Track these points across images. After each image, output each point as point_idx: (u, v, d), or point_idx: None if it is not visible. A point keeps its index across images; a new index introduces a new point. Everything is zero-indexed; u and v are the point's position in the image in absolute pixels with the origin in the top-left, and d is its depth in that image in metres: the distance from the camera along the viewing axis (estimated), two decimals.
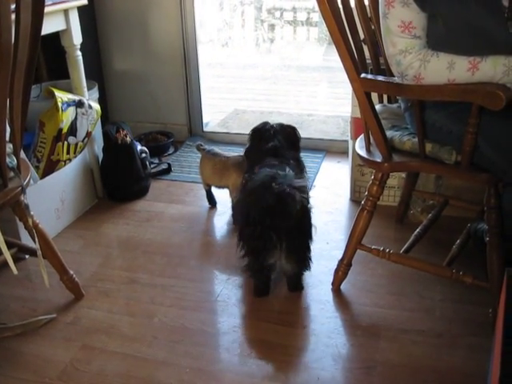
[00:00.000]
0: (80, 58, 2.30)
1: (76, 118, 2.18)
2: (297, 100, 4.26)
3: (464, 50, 1.35)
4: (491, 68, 1.33)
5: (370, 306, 1.80)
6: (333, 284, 1.89)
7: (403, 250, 1.83)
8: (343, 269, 1.85)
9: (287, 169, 1.80)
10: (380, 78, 1.53)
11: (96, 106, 2.32)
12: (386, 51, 1.46)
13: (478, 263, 1.77)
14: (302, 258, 1.79)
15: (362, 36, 1.72)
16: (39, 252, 1.66)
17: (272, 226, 1.67)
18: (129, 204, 2.53)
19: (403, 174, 2.25)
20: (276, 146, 1.99)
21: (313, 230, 1.81)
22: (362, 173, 2.42)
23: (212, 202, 2.51)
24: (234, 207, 2.30)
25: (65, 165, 2.24)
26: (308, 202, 1.77)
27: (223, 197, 2.49)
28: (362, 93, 1.52)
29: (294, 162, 1.98)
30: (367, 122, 1.60)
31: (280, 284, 1.93)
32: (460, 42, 1.35)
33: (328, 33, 1.45)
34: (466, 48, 1.35)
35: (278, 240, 1.70)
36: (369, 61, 1.77)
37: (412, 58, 1.39)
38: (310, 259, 1.82)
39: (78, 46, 2.28)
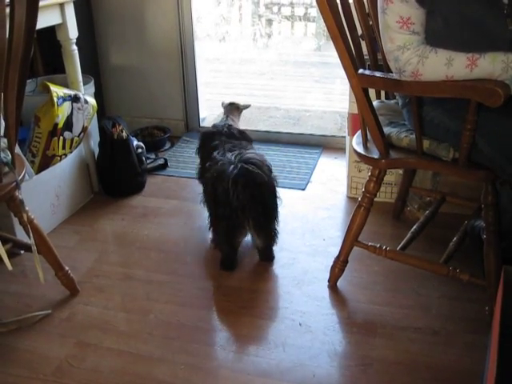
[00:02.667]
0: (76, 52, 2.29)
1: (72, 112, 2.17)
2: (294, 95, 4.24)
3: (463, 47, 1.34)
4: (490, 64, 1.32)
5: (367, 303, 1.80)
6: (329, 281, 1.89)
7: (400, 246, 1.83)
8: (339, 265, 1.84)
9: (246, 148, 2.00)
10: (378, 74, 1.52)
11: (92, 100, 2.30)
12: (384, 47, 1.45)
13: (474, 261, 1.77)
14: (269, 233, 1.96)
15: (359, 32, 1.71)
16: (34, 248, 1.65)
17: (239, 206, 1.82)
18: (125, 199, 2.52)
19: (400, 171, 2.24)
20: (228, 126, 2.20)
21: (278, 202, 1.96)
22: (359, 169, 2.41)
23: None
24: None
25: (60, 160, 2.23)
26: (271, 178, 1.92)
27: None
28: (360, 89, 1.51)
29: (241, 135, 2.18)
30: (365, 118, 1.59)
31: (276, 281, 1.92)
32: (459, 38, 1.34)
33: (326, 28, 1.44)
34: (465, 44, 1.34)
35: (246, 219, 1.85)
36: (366, 57, 1.76)
37: (410, 54, 1.38)
38: (277, 233, 1.98)
39: (74, 40, 2.27)
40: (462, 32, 1.34)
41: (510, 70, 1.32)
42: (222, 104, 2.69)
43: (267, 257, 2.04)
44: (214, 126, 2.31)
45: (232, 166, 1.84)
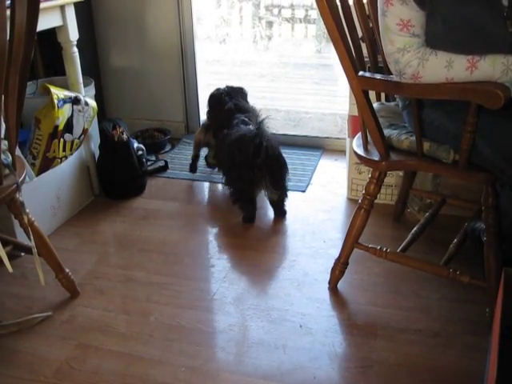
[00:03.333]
0: (76, 54, 2.29)
1: (72, 114, 2.17)
2: (294, 97, 4.24)
3: (463, 49, 1.34)
4: (490, 67, 1.32)
5: (367, 304, 1.80)
6: (329, 283, 1.89)
7: (400, 248, 1.83)
8: (340, 267, 1.84)
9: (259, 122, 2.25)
10: (378, 76, 1.52)
11: (92, 102, 2.30)
12: (385, 49, 1.45)
13: (475, 262, 1.77)
14: (282, 187, 2.27)
15: (360, 34, 1.71)
16: (34, 250, 1.65)
17: (257, 166, 2.14)
18: (125, 201, 2.52)
19: (401, 173, 2.24)
20: (237, 104, 2.50)
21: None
22: (359, 171, 2.41)
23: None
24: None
25: (61, 162, 2.23)
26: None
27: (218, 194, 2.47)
28: (360, 91, 1.52)
29: (251, 111, 2.50)
30: (365, 121, 1.59)
31: (276, 283, 1.92)
32: (459, 40, 1.35)
33: (326, 30, 1.44)
34: (465, 46, 1.34)
35: (263, 175, 2.18)
36: (367, 59, 1.76)
37: (410, 56, 1.38)
38: (288, 188, 2.32)
39: (75, 43, 2.27)
40: (462, 34, 1.34)
41: (509, 72, 1.32)
42: None
43: (280, 212, 2.34)
44: (218, 89, 2.60)
45: (251, 134, 2.16)
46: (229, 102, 2.48)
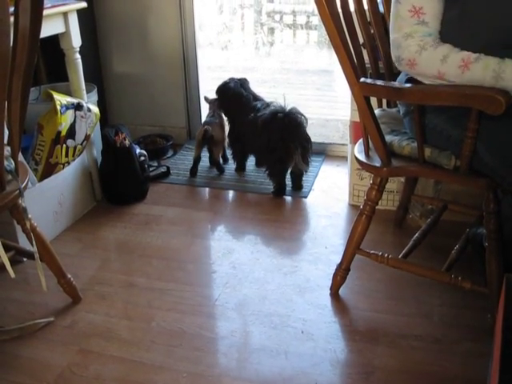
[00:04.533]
0: (79, 60, 2.30)
1: (75, 120, 2.18)
2: (296, 103, 4.24)
3: (473, 42, 1.34)
4: (481, 71, 1.32)
5: (369, 310, 1.80)
6: (331, 289, 1.89)
7: (402, 254, 1.83)
8: (341, 273, 1.84)
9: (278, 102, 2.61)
10: (379, 82, 1.52)
11: (95, 108, 2.32)
12: (391, 37, 1.46)
13: (476, 268, 1.77)
14: (309, 159, 2.57)
15: (361, 40, 1.71)
16: (37, 255, 1.66)
17: (290, 140, 2.48)
18: (127, 207, 2.53)
19: (402, 179, 2.24)
20: (253, 94, 2.81)
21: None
22: (360, 177, 2.42)
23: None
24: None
25: (63, 168, 2.24)
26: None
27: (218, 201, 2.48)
28: (362, 97, 1.52)
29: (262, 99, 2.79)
30: (366, 127, 1.59)
31: (278, 288, 1.92)
32: (472, 31, 1.35)
33: (327, 36, 1.45)
34: (477, 38, 1.34)
35: (296, 148, 2.48)
36: (368, 65, 1.77)
37: (412, 41, 1.40)
38: (311, 161, 2.62)
39: (77, 49, 2.28)
40: (480, 26, 1.34)
41: (499, 79, 1.31)
42: (206, 100, 2.91)
43: (299, 186, 2.63)
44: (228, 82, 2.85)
45: (282, 113, 2.49)
46: (244, 92, 2.77)
